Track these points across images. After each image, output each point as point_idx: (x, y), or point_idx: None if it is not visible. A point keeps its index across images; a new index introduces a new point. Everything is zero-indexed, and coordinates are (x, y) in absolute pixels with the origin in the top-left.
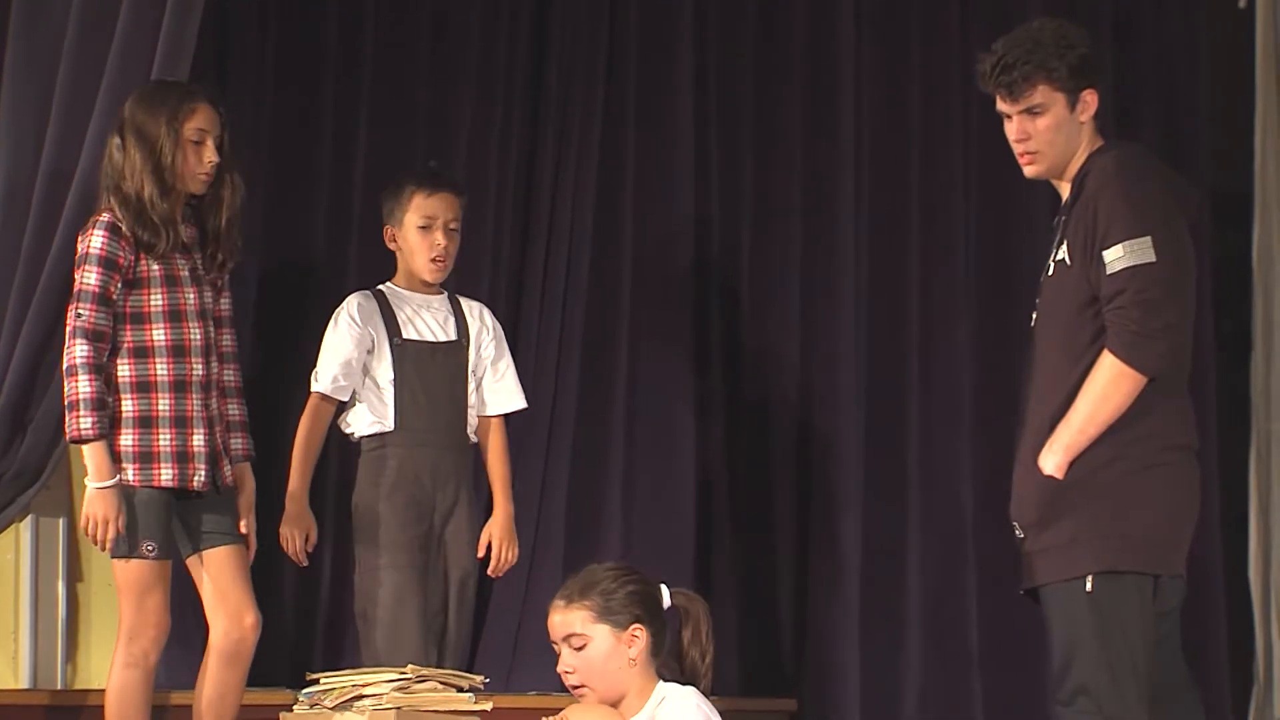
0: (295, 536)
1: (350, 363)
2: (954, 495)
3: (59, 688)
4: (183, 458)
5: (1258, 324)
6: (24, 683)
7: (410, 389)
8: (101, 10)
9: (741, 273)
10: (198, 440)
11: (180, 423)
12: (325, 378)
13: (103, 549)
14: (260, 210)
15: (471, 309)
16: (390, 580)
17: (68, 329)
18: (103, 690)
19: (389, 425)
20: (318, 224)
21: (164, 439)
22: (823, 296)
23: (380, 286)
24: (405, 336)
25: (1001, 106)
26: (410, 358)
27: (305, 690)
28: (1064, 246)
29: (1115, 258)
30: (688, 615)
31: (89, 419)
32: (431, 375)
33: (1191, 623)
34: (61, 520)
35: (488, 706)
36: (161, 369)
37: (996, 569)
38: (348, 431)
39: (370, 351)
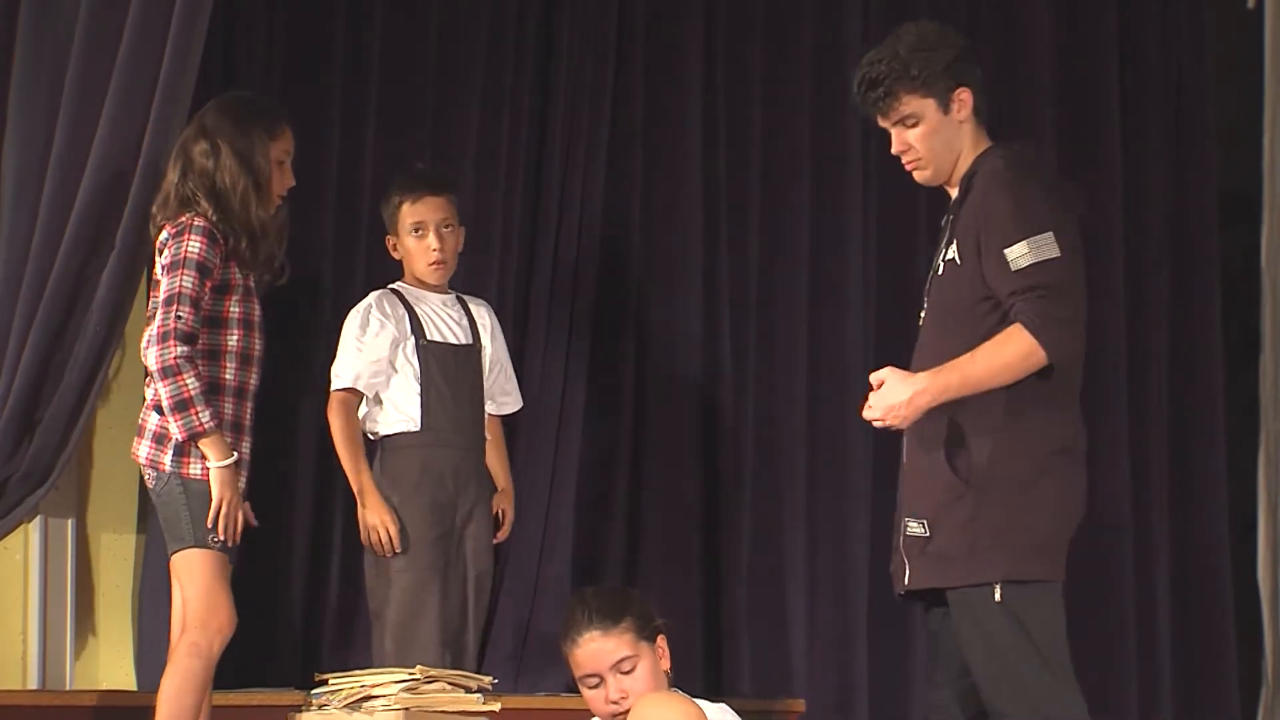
0: (385, 525)
1: (380, 360)
2: None
3: (67, 688)
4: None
5: (1266, 325)
6: (33, 683)
7: (436, 390)
8: (110, 10)
9: (750, 276)
10: (245, 448)
11: (236, 428)
12: (349, 374)
13: (236, 534)
14: None
15: (478, 310)
16: (407, 582)
17: (158, 330)
18: (111, 691)
19: (415, 425)
20: (326, 226)
21: (225, 440)
22: (831, 299)
23: (395, 286)
24: (429, 338)
25: (881, 123)
26: (435, 359)
27: (314, 691)
28: (953, 246)
29: (1020, 254)
30: None
31: (206, 412)
32: (454, 377)
33: (1201, 624)
34: (70, 521)
35: (496, 707)
36: (230, 374)
37: None
38: (368, 430)
39: (396, 349)
